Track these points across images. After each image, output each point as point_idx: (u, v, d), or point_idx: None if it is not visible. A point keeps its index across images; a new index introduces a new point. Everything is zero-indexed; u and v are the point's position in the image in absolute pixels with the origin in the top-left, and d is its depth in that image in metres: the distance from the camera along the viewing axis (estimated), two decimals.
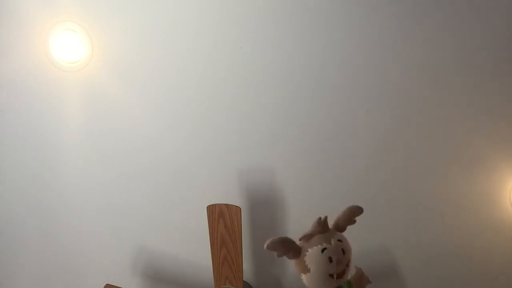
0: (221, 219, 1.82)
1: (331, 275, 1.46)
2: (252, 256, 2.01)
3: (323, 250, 1.45)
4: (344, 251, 1.47)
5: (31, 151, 2.05)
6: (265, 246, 1.47)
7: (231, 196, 1.95)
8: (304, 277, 1.50)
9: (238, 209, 1.80)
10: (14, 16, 1.92)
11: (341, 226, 1.52)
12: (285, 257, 1.49)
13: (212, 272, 1.87)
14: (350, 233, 1.49)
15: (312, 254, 1.47)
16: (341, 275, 1.47)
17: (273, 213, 1.99)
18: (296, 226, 1.71)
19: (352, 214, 1.51)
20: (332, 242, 1.46)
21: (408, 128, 1.89)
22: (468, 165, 1.87)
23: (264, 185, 1.97)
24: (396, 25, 1.82)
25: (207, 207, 1.82)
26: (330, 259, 1.44)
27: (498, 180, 1.86)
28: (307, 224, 1.69)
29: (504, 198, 1.86)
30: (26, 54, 1.95)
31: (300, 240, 1.51)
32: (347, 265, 1.48)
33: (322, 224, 1.49)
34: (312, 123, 1.92)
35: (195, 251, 2.02)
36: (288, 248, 1.48)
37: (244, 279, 1.90)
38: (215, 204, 1.82)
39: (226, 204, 1.81)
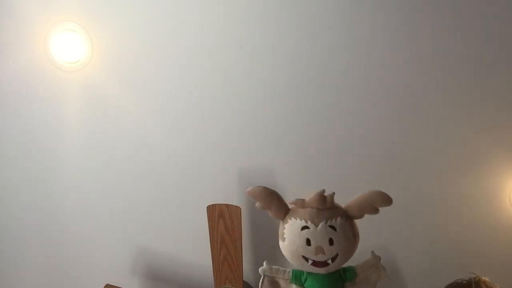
0: (221, 219, 1.82)
1: (305, 258, 1.26)
2: (252, 256, 2.01)
3: (303, 227, 1.24)
4: (332, 241, 1.23)
5: (30, 151, 2.05)
6: (246, 191, 1.30)
7: (231, 196, 1.95)
8: (280, 243, 1.33)
9: (238, 209, 1.80)
10: (14, 16, 1.92)
11: (351, 211, 1.28)
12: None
13: (212, 272, 1.87)
14: None
15: (291, 226, 1.27)
16: (320, 264, 1.25)
17: None
18: None
19: (367, 200, 1.26)
20: (320, 225, 1.22)
21: (409, 128, 1.89)
22: (468, 165, 1.87)
23: (264, 185, 1.97)
24: (400, 24, 1.81)
25: (207, 207, 1.82)
26: (308, 241, 1.23)
27: (498, 180, 1.86)
28: None
29: (504, 198, 1.86)
30: (26, 54, 1.95)
31: (291, 203, 1.30)
32: (333, 259, 1.25)
33: (320, 198, 1.24)
34: (314, 124, 1.92)
35: (195, 251, 2.02)
36: (270, 202, 1.28)
37: (244, 279, 1.90)
38: (215, 204, 1.82)
39: (226, 204, 1.81)
